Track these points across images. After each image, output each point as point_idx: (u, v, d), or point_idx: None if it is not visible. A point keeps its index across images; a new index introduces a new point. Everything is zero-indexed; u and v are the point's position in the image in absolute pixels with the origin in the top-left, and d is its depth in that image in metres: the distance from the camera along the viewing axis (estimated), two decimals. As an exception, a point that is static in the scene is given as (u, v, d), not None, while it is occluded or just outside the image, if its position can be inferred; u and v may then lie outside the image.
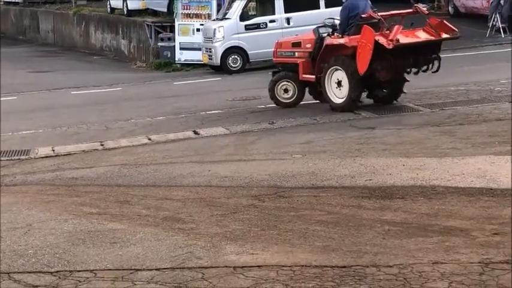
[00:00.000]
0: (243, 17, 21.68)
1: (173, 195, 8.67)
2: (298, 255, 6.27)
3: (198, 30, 23.28)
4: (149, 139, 12.63)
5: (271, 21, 21.67)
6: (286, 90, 14.59)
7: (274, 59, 15.28)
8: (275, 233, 6.92)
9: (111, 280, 5.95)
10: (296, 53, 14.53)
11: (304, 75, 14.27)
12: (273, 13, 21.83)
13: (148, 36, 26.27)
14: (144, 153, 11.46)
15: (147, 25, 26.40)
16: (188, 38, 23.57)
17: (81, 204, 8.43)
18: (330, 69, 13.67)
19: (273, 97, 14.66)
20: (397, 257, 6.13)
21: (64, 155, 11.84)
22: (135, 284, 5.85)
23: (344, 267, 5.96)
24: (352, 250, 6.33)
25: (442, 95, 14.71)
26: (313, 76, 14.04)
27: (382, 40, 12.79)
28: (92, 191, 9.16)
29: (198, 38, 22.94)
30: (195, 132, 12.94)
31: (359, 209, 7.61)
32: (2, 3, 41.07)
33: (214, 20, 22.72)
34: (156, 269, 6.12)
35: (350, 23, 13.60)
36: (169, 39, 24.54)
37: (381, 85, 13.86)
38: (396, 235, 6.70)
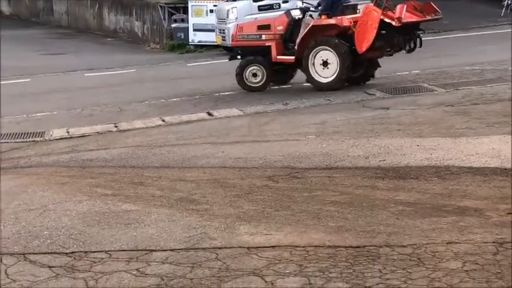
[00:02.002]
0: (256, -3, 21.59)
1: (187, 177, 8.69)
2: (312, 236, 6.28)
3: (211, 11, 23.22)
4: (163, 121, 12.66)
5: (284, 1, 21.56)
6: (255, 75, 14.63)
7: (232, 42, 15.27)
8: (289, 214, 6.93)
9: (125, 261, 5.98)
10: (264, 36, 14.53)
11: (279, 57, 14.33)
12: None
13: (162, 17, 26.23)
14: (158, 135, 11.48)
15: (161, 6, 26.35)
16: (201, 20, 23.52)
17: (95, 185, 8.46)
18: (314, 50, 13.86)
19: (240, 81, 14.67)
20: (411, 237, 6.13)
21: (78, 136, 11.88)
22: (149, 265, 5.88)
23: (358, 247, 5.97)
24: (366, 230, 6.34)
25: (457, 74, 14.64)
26: (291, 57, 14.19)
27: (388, 18, 13.22)
28: (106, 173, 9.20)
29: (211, 19, 22.89)
30: (209, 114, 12.95)
31: (373, 190, 7.60)
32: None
33: (227, 1, 22.65)
34: (170, 250, 6.15)
35: (334, 4, 13.96)
36: (182, 20, 24.50)
37: (360, 66, 14.16)
38: (410, 215, 6.69)
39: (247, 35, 14.74)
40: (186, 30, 24.01)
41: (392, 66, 16.17)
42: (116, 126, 12.43)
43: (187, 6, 24.15)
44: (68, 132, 12.19)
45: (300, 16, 14.46)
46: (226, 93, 14.91)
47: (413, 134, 9.97)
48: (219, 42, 22.34)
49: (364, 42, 13.48)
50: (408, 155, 8.87)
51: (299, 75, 14.83)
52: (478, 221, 6.43)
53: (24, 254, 6.24)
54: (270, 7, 21.57)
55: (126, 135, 11.76)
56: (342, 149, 9.46)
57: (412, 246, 5.93)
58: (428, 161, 8.53)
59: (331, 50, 13.79)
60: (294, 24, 14.36)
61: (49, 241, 6.51)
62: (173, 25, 24.86)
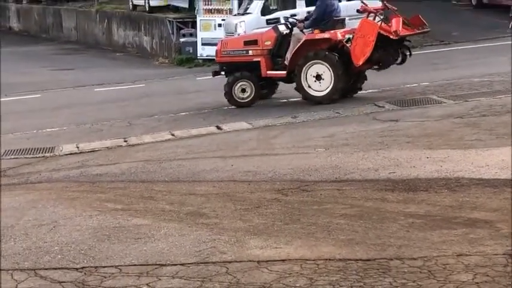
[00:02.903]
0: (264, 11, 21.65)
1: (197, 191, 8.70)
2: (322, 249, 6.27)
3: (219, 25, 23.30)
4: (172, 135, 12.68)
5: (293, 15, 21.61)
6: (243, 90, 14.58)
7: (217, 58, 15.16)
8: (299, 227, 6.92)
9: (136, 275, 5.99)
10: (251, 51, 14.54)
11: (269, 72, 14.40)
12: (294, 7, 21.77)
13: (170, 32, 26.33)
14: (167, 149, 11.50)
15: (169, 21, 26.46)
16: (210, 34, 23.59)
17: (105, 200, 8.48)
18: (307, 64, 13.98)
19: (230, 98, 14.60)
20: (421, 249, 6.11)
21: (88, 151, 11.91)
22: (159, 279, 5.89)
23: (368, 260, 5.95)
24: (376, 243, 6.32)
25: (466, 86, 14.62)
26: (283, 72, 14.26)
27: (386, 32, 13.55)
28: (116, 187, 9.21)
29: (219, 33, 22.94)
30: (218, 127, 12.97)
31: (383, 202, 7.59)
32: (25, 1, 41.33)
33: (235, 15, 22.73)
34: (180, 264, 6.15)
35: (325, 19, 14.11)
36: (191, 35, 24.59)
37: (350, 79, 14.32)
38: (420, 227, 6.68)
39: (233, 50, 14.68)
40: (194, 44, 24.08)
41: (401, 78, 16.17)
42: (125, 141, 12.45)
43: (196, 21, 24.23)
44: (77, 147, 12.22)
45: (287, 31, 14.57)
46: (235, 106, 14.92)
47: (422, 146, 9.96)
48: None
49: (361, 56, 13.68)
50: (418, 167, 8.85)
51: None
52: (488, 233, 6.41)
53: (34, 270, 6.25)
54: (278, 21, 21.62)
55: (135, 149, 11.78)
56: (352, 161, 9.45)
57: (423, 258, 5.91)
58: (438, 173, 8.52)
59: (325, 64, 13.92)
60: (282, 39, 14.45)
61: (59, 256, 6.53)
62: (182, 39, 24.95)
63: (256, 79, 14.51)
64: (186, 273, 5.96)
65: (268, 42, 14.50)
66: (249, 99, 14.57)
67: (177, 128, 13.23)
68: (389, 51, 13.96)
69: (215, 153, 10.89)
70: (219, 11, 23.73)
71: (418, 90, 14.75)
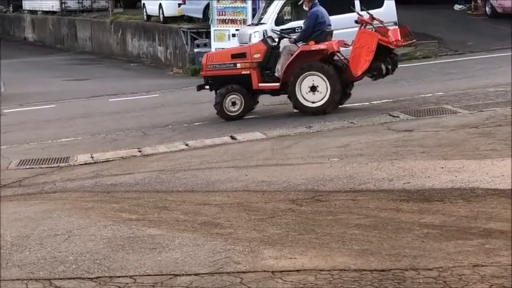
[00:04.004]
0: (278, 21, 21.65)
1: (211, 200, 8.70)
2: (337, 259, 6.25)
3: (233, 35, 23.34)
4: (186, 145, 12.70)
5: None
6: (234, 103, 14.56)
7: (202, 72, 15.11)
8: (313, 237, 6.90)
9: (150, 285, 5.99)
10: (239, 64, 14.54)
11: (261, 85, 14.46)
12: (309, 17, 21.74)
13: (184, 42, 26.43)
14: (181, 159, 11.52)
15: (183, 31, 26.56)
16: (224, 44, 23.63)
17: (120, 210, 8.49)
18: (302, 75, 14.10)
19: (221, 111, 14.56)
20: (437, 260, 6.08)
21: (103, 161, 11.95)
22: (174, 289, 5.88)
23: (383, 270, 5.93)
24: (391, 253, 6.30)
25: (481, 96, 14.56)
26: (276, 84, 14.36)
27: (385, 42, 13.90)
28: (131, 197, 9.23)
29: (233, 44, 22.99)
30: (232, 137, 12.98)
31: (397, 212, 7.56)
32: (40, 12, 41.60)
33: (249, 25, 22.76)
34: (195, 274, 6.14)
35: (316, 30, 14.29)
36: (205, 45, 24.65)
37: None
38: (435, 238, 6.65)
39: (220, 64, 14.66)
40: (208, 54, 24.09)
41: (416, 88, 16.15)
42: (139, 151, 12.49)
43: (210, 31, 24.30)
44: (92, 157, 12.26)
45: (275, 43, 14.71)
46: (250, 116, 14.93)
47: (437, 156, 9.92)
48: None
49: (361, 66, 13.94)
50: (433, 177, 8.82)
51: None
52: (504, 243, 6.37)
53: (49, 280, 6.26)
54: (292, 31, 21.61)
55: (150, 159, 11.81)
56: (366, 171, 9.43)
57: (438, 269, 5.88)
58: (453, 183, 8.48)
59: (320, 75, 14.06)
60: (271, 52, 14.52)
61: (74, 266, 6.54)
62: (196, 50, 25.02)
63: (246, 92, 14.55)
64: (201, 283, 5.96)
65: (258, 55, 14.54)
66: (238, 112, 14.58)
67: (191, 138, 13.26)
68: (385, 61, 14.21)
69: (229, 163, 10.90)
70: (233, 21, 23.79)
71: (433, 100, 14.71)
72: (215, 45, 23.85)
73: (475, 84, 15.42)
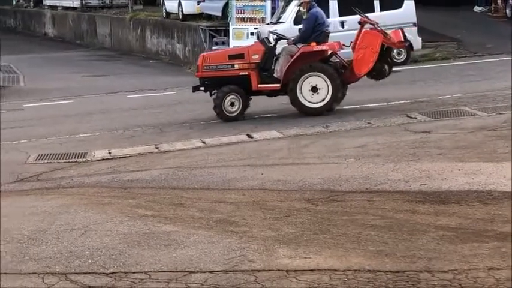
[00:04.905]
0: (297, 20, 21.63)
1: (226, 198, 8.72)
2: (351, 260, 6.25)
3: (252, 34, 23.33)
4: (203, 142, 12.73)
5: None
6: (232, 104, 14.55)
7: (198, 74, 15.03)
8: (328, 237, 6.91)
9: (165, 282, 6.02)
10: (237, 65, 14.51)
11: (260, 86, 14.47)
12: (327, 16, 21.67)
13: (203, 40, 26.45)
14: (198, 156, 11.55)
15: (202, 29, 26.59)
16: (242, 42, 23.58)
17: (136, 206, 8.53)
18: (303, 76, 14.15)
19: (221, 112, 14.53)
20: (452, 262, 6.07)
21: (120, 157, 11.99)
22: (188, 286, 5.91)
23: (397, 272, 5.92)
24: (406, 255, 6.29)
25: (499, 98, 14.49)
26: (277, 85, 14.38)
27: (388, 42, 14.16)
28: (147, 194, 9.27)
29: (252, 42, 22.97)
30: (249, 136, 12.99)
31: (413, 214, 7.55)
32: (60, 8, 41.79)
33: (268, 23, 22.75)
34: (209, 272, 6.17)
35: (315, 31, 14.34)
36: (223, 43, 24.65)
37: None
38: (451, 240, 6.63)
39: (216, 65, 14.63)
40: (227, 52, 24.12)
41: (434, 90, 16.09)
42: (156, 148, 12.53)
43: (228, 29, 24.31)
44: (109, 153, 12.31)
45: (272, 44, 14.75)
46: (267, 115, 14.95)
47: (454, 158, 9.89)
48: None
49: (365, 66, 14.10)
50: (449, 179, 8.79)
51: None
52: (520, 247, 6.35)
53: (65, 274, 6.31)
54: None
55: (166, 156, 11.84)
56: (382, 172, 9.42)
57: (453, 271, 5.87)
58: (469, 185, 8.45)
59: (321, 75, 14.11)
60: (270, 53, 14.54)
61: (90, 261, 6.58)
62: (214, 47, 25.00)
63: (243, 93, 14.55)
64: (215, 280, 5.98)
65: (256, 56, 14.53)
66: (237, 112, 14.58)
67: (208, 135, 13.28)
68: (386, 61, 14.40)
69: (245, 162, 10.91)
70: (251, 20, 23.77)
71: (451, 101, 14.66)
72: (233, 43, 23.83)
73: (494, 86, 15.34)
